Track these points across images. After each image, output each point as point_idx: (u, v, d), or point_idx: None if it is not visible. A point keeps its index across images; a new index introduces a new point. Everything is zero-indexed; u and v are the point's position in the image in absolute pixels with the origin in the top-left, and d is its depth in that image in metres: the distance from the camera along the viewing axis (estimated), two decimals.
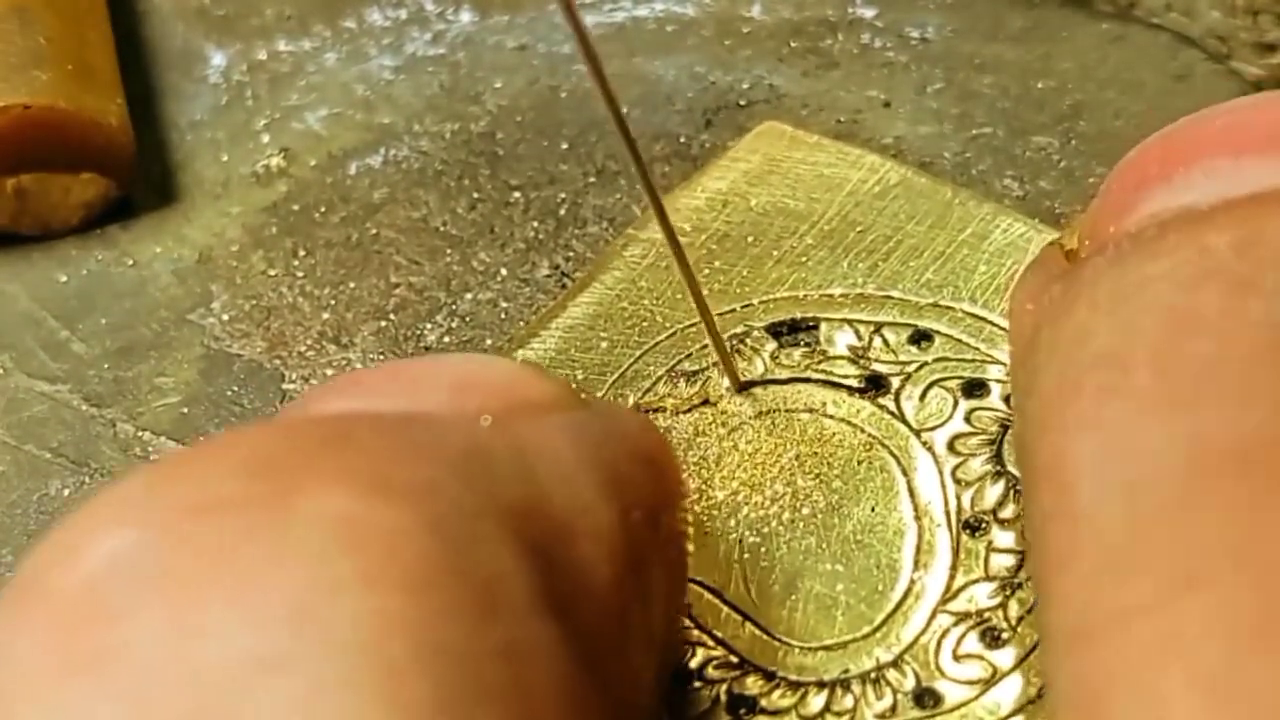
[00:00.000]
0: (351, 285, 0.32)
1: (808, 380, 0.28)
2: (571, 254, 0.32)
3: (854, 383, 0.28)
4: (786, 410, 0.28)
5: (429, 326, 0.31)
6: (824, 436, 0.27)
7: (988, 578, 0.24)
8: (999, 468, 0.26)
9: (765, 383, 0.28)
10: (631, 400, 0.28)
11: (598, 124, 0.34)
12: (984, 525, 0.25)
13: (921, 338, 0.28)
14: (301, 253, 0.33)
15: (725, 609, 0.25)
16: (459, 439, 0.20)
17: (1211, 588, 0.16)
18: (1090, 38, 0.35)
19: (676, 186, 0.31)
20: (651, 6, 0.36)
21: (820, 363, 0.28)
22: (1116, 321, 0.19)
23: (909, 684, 0.24)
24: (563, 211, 0.33)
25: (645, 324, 0.29)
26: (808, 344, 0.28)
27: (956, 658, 0.24)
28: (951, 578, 0.25)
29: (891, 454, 0.26)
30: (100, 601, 0.17)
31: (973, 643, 0.24)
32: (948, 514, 0.25)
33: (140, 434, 0.30)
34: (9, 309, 0.32)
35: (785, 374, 0.28)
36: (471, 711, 0.17)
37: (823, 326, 0.29)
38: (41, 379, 0.31)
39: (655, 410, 0.28)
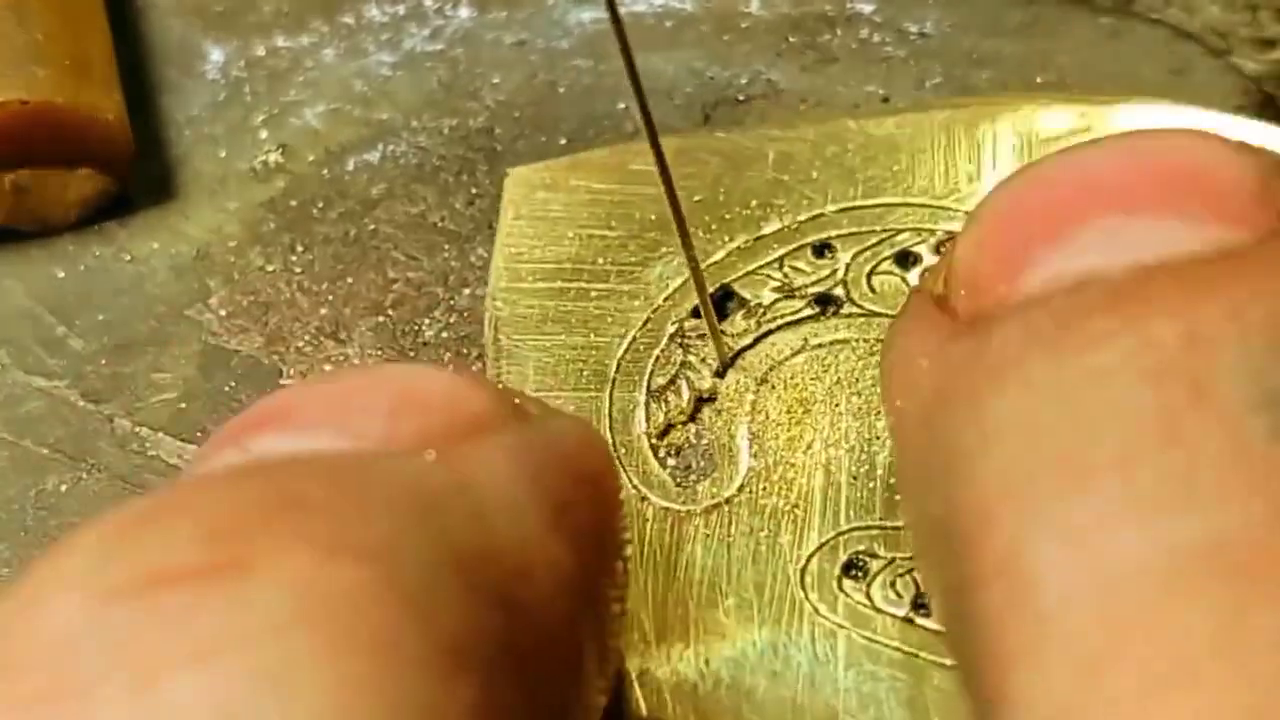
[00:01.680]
0: (349, 281, 0.32)
1: (774, 330, 0.29)
2: None
3: (810, 310, 0.29)
4: (780, 362, 0.28)
5: (427, 322, 0.31)
6: (827, 364, 0.28)
7: None
8: None
9: (741, 351, 0.29)
10: (643, 430, 0.28)
11: (596, 119, 0.34)
12: None
13: (824, 248, 0.30)
14: (299, 248, 0.33)
15: None
16: (406, 482, 0.19)
17: (1198, 684, 0.16)
18: (1089, 32, 0.35)
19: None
20: (650, 1, 0.36)
21: (767, 315, 0.29)
22: (1067, 419, 0.19)
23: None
24: None
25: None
26: (743, 305, 0.29)
27: None
28: None
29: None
30: (61, 675, 0.17)
31: None
32: None
33: (138, 430, 0.30)
34: (6, 305, 0.32)
35: (749, 338, 0.29)
36: None
37: (739, 287, 0.30)
38: (39, 375, 0.31)
39: (670, 438, 0.28)
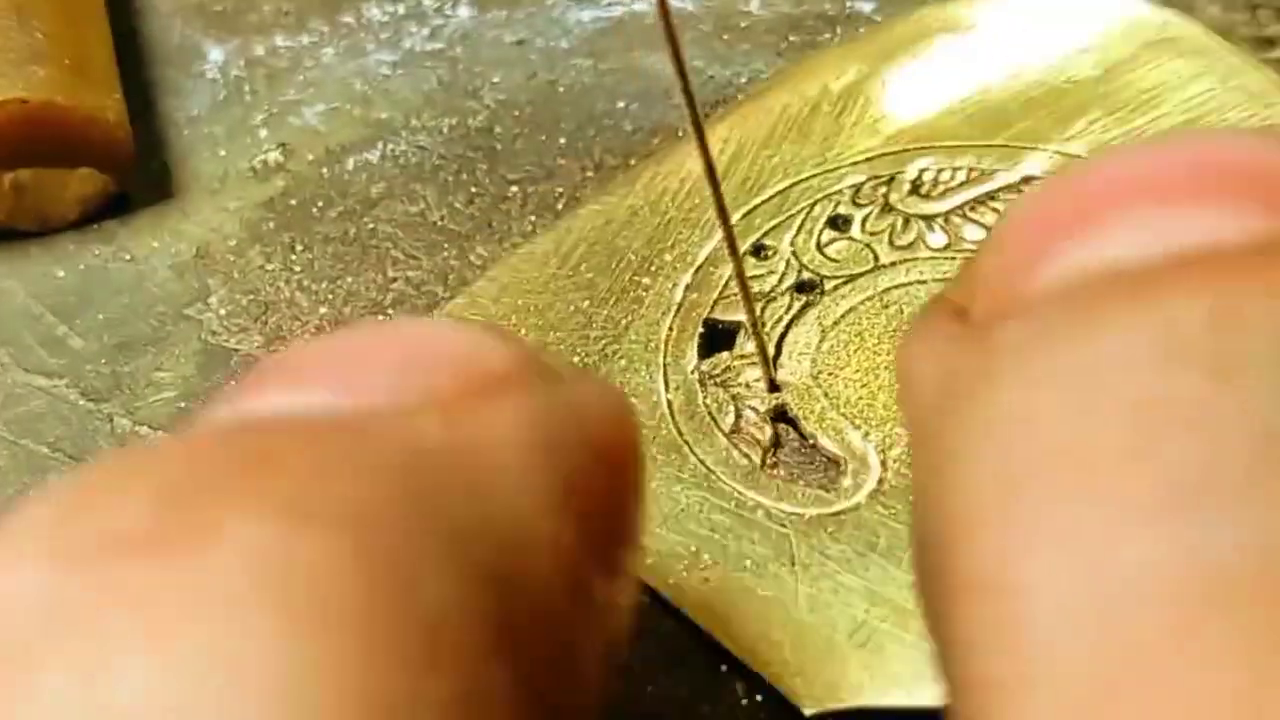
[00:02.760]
0: (349, 280, 0.32)
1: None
2: None
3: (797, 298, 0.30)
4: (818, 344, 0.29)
5: None
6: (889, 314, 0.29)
7: None
8: None
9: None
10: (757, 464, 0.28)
11: (596, 119, 0.34)
12: None
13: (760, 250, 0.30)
14: (299, 248, 0.33)
15: None
16: (400, 447, 0.18)
17: None
18: None
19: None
20: (650, 0, 0.36)
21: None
22: (1070, 410, 0.16)
23: None
24: (560, 206, 0.33)
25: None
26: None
27: None
28: None
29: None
30: (6, 647, 0.16)
31: None
32: None
33: (138, 429, 0.30)
34: (6, 304, 0.32)
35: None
36: None
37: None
38: (39, 374, 0.31)
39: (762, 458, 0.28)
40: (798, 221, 0.30)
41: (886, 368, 0.28)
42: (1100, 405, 0.16)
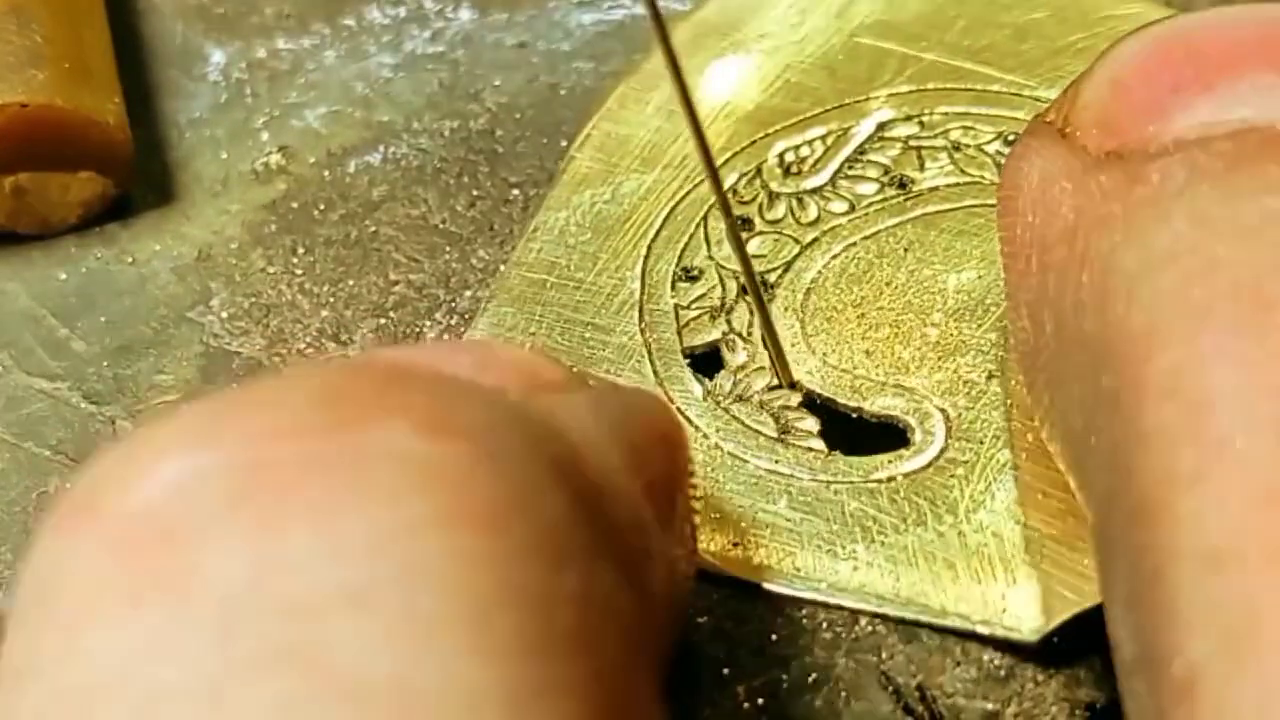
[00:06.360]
0: (351, 283, 0.32)
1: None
2: None
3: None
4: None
5: (428, 324, 0.31)
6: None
7: None
8: None
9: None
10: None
11: None
12: None
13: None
14: (301, 250, 0.33)
15: None
16: (498, 400, 0.19)
17: None
18: None
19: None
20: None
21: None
22: (1248, 253, 0.19)
23: None
24: None
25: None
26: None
27: None
28: None
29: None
30: (164, 525, 0.16)
31: None
32: None
33: None
34: (9, 307, 0.32)
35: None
36: (551, 658, 0.16)
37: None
38: (41, 377, 0.31)
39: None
40: (701, 237, 0.31)
41: (881, 323, 0.29)
42: (1274, 254, 0.19)
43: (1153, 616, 0.18)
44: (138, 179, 0.34)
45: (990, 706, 0.24)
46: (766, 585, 0.26)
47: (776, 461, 0.27)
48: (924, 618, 0.25)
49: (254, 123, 0.35)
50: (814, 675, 0.25)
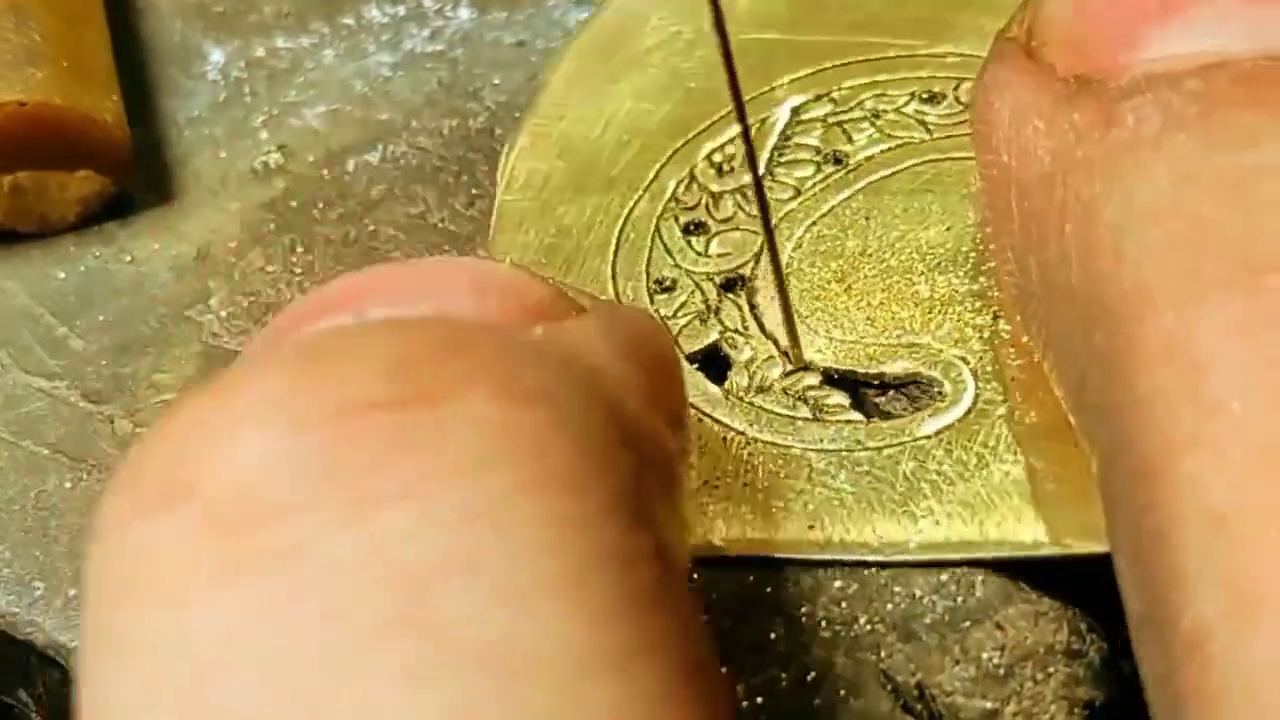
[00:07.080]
0: None
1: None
2: None
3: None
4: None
5: None
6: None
7: None
8: None
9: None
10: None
11: None
12: None
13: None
14: (300, 249, 0.33)
15: None
16: (536, 344, 0.20)
17: None
18: None
19: None
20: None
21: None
22: (1232, 213, 0.19)
23: None
24: None
25: None
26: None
27: None
28: None
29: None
30: (261, 502, 0.17)
31: None
32: None
33: (139, 430, 0.30)
34: (7, 306, 0.32)
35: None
36: (641, 616, 0.17)
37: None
38: (39, 375, 0.31)
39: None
40: (661, 249, 0.31)
41: (871, 289, 0.29)
42: (1264, 213, 0.19)
43: (1157, 573, 0.18)
44: (136, 178, 0.34)
45: (989, 705, 0.24)
46: (859, 559, 0.26)
47: (821, 440, 0.27)
48: (1019, 554, 0.25)
49: (253, 121, 0.35)
50: (813, 674, 0.25)
